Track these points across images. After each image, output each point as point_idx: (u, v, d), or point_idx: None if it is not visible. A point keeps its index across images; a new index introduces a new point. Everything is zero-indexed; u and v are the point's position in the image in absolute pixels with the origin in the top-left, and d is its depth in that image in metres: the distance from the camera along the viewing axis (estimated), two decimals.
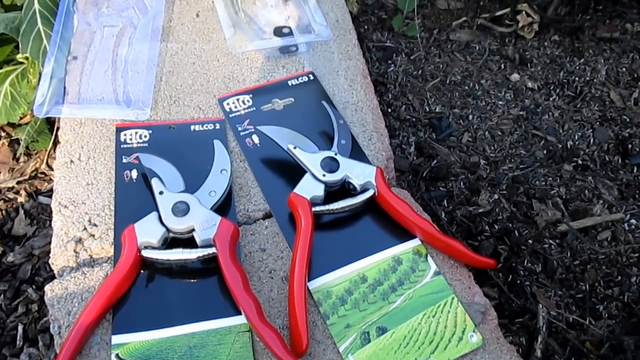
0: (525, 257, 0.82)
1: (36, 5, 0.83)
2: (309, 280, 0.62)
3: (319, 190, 0.66)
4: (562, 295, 0.79)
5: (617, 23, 1.13)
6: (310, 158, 0.67)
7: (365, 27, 1.09)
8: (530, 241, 0.83)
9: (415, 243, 0.66)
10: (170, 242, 0.62)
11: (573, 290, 0.79)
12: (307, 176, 0.67)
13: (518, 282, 0.79)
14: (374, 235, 0.67)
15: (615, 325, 0.76)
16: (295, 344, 0.56)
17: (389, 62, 1.04)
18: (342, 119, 0.76)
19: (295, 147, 0.68)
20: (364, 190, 0.67)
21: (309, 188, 0.66)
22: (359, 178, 0.67)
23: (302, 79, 0.82)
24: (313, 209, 0.64)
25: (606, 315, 0.77)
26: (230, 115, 0.76)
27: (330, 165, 0.67)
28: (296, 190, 0.65)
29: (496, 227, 0.85)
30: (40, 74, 0.87)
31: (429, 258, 0.65)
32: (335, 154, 0.68)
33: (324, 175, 0.66)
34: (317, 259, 0.64)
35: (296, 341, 0.56)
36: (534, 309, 0.76)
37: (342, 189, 0.68)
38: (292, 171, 0.69)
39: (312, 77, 0.82)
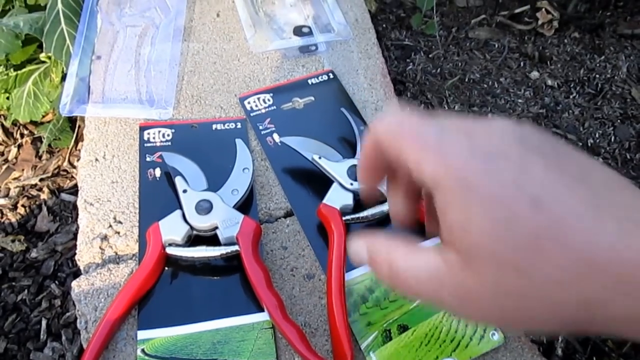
0: None
1: (59, 6, 0.84)
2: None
3: (348, 199, 0.65)
4: None
5: (639, 19, 1.12)
6: (336, 167, 0.67)
7: (384, 25, 1.09)
8: None
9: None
10: (194, 239, 0.63)
11: None
12: (334, 186, 0.66)
13: None
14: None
15: None
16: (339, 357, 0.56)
17: (408, 60, 1.04)
18: (362, 125, 0.75)
19: (320, 157, 0.68)
20: None
21: (338, 198, 0.65)
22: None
23: (322, 78, 0.82)
24: (344, 218, 0.64)
25: None
26: (251, 114, 0.77)
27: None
28: (325, 201, 0.65)
29: None
30: (63, 73, 0.88)
31: None
32: None
33: (351, 184, 0.65)
34: None
35: (340, 355, 0.56)
36: None
37: None
38: (313, 171, 0.69)
39: (332, 76, 0.82)
